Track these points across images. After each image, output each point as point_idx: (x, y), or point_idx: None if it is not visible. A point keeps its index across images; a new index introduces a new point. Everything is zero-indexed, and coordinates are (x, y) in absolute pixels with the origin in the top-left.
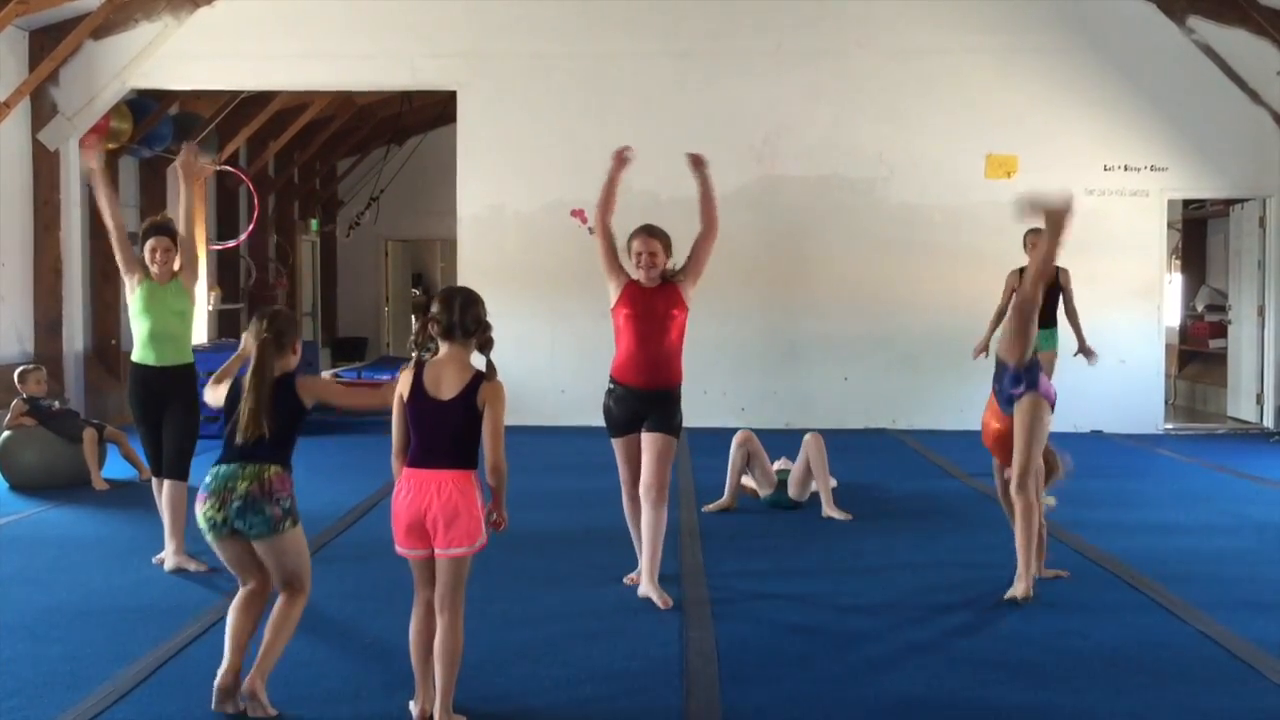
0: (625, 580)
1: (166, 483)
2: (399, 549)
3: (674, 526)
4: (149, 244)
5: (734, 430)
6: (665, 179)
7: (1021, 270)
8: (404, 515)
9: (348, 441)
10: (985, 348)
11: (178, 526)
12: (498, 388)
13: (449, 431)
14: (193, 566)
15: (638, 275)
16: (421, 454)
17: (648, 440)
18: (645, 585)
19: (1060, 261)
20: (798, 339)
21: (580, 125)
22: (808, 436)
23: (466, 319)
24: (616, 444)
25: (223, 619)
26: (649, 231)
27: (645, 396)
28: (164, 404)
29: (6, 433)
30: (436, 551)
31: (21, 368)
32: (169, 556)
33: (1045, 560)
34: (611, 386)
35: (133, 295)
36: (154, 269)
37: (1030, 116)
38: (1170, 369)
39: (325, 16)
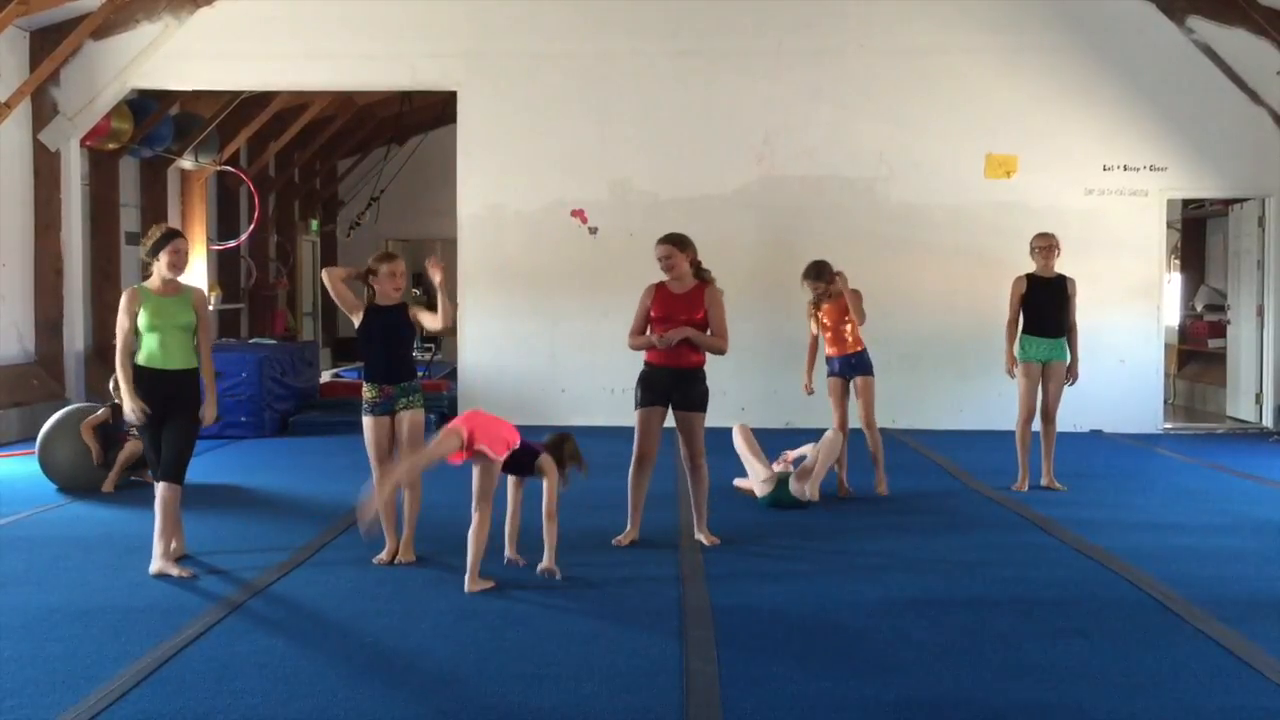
0: (614, 541)
1: (162, 485)
2: None
3: (674, 527)
4: (173, 244)
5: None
6: (665, 179)
7: (1028, 276)
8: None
9: (348, 442)
10: (1015, 361)
11: (166, 530)
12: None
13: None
14: (175, 572)
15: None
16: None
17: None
18: (698, 530)
19: (1065, 267)
20: (798, 338)
21: (580, 125)
22: (828, 433)
23: None
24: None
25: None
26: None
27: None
28: (168, 407)
29: (60, 415)
30: None
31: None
32: (154, 560)
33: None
34: None
35: (143, 312)
36: (172, 272)
37: (1030, 116)
38: (1170, 368)
39: (325, 16)
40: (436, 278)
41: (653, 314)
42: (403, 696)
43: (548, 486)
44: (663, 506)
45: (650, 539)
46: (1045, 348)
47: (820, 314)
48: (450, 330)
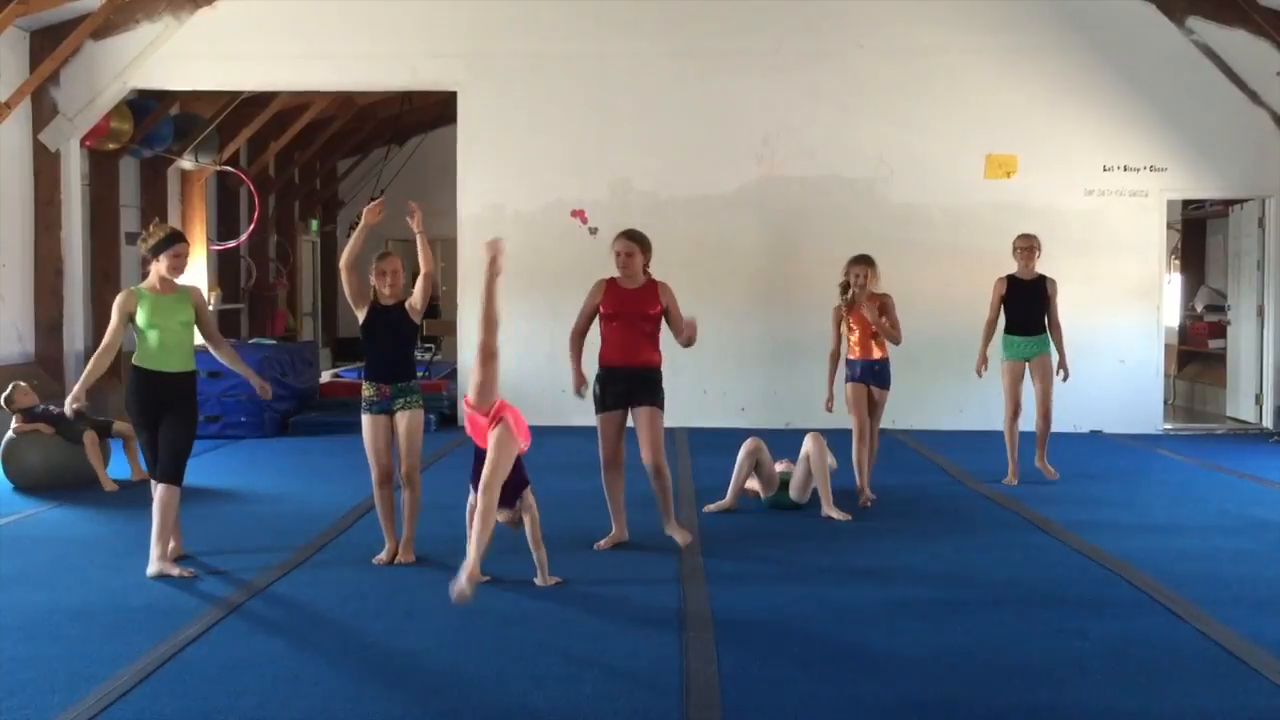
0: (595, 546)
1: (160, 487)
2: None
3: None
4: (176, 248)
5: (734, 430)
6: (664, 179)
7: (1009, 278)
8: None
9: (348, 442)
10: (985, 362)
11: (164, 532)
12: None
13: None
14: (175, 572)
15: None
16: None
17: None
18: (668, 528)
19: (1052, 268)
20: (798, 339)
21: (580, 125)
22: (808, 436)
23: None
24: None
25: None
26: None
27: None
28: (165, 409)
29: (10, 434)
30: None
31: (4, 393)
32: (152, 562)
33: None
34: None
35: (141, 311)
36: (171, 275)
37: (1030, 116)
38: (1169, 369)
39: (325, 17)
40: (415, 224)
41: (603, 310)
42: (403, 696)
43: (529, 519)
44: None
45: (650, 540)
46: (1026, 345)
47: (850, 317)
48: (435, 300)
